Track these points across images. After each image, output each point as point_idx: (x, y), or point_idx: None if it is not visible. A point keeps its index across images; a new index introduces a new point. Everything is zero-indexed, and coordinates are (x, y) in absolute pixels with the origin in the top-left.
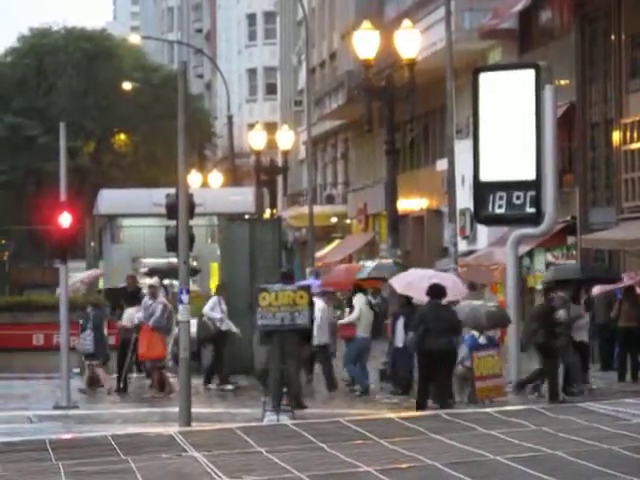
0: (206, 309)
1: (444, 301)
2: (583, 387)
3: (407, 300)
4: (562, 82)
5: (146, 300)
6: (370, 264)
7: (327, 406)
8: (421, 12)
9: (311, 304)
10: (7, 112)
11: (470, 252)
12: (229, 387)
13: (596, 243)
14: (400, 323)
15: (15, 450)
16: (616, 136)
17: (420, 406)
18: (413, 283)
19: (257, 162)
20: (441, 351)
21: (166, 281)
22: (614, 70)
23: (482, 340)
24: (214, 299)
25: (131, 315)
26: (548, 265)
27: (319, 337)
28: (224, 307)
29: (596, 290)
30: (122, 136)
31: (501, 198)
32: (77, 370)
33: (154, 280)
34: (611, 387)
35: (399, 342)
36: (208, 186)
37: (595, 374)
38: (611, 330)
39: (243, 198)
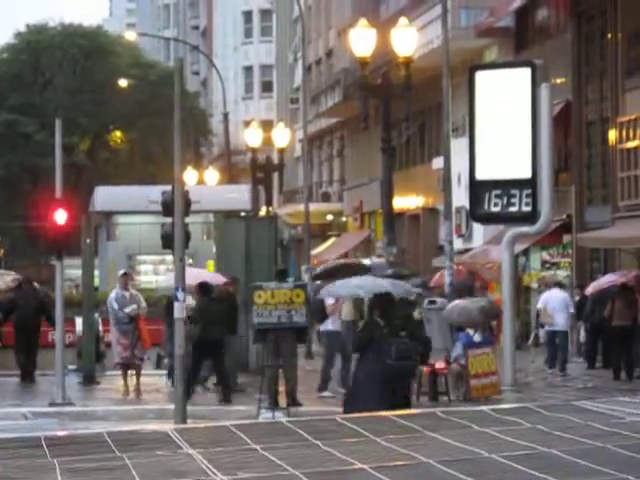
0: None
1: None
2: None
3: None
4: (558, 80)
5: (117, 290)
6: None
7: (322, 404)
8: (417, 10)
9: (307, 302)
10: (3, 108)
11: (466, 250)
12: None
13: (592, 241)
14: None
15: (10, 447)
16: (612, 134)
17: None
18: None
19: (253, 159)
20: (214, 341)
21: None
22: (610, 68)
23: (477, 338)
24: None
25: None
26: (544, 263)
27: None
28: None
29: (590, 289)
30: (118, 133)
31: (497, 196)
32: (73, 367)
33: (125, 270)
34: (606, 385)
35: None
36: (204, 183)
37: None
38: (599, 328)
39: (239, 195)
